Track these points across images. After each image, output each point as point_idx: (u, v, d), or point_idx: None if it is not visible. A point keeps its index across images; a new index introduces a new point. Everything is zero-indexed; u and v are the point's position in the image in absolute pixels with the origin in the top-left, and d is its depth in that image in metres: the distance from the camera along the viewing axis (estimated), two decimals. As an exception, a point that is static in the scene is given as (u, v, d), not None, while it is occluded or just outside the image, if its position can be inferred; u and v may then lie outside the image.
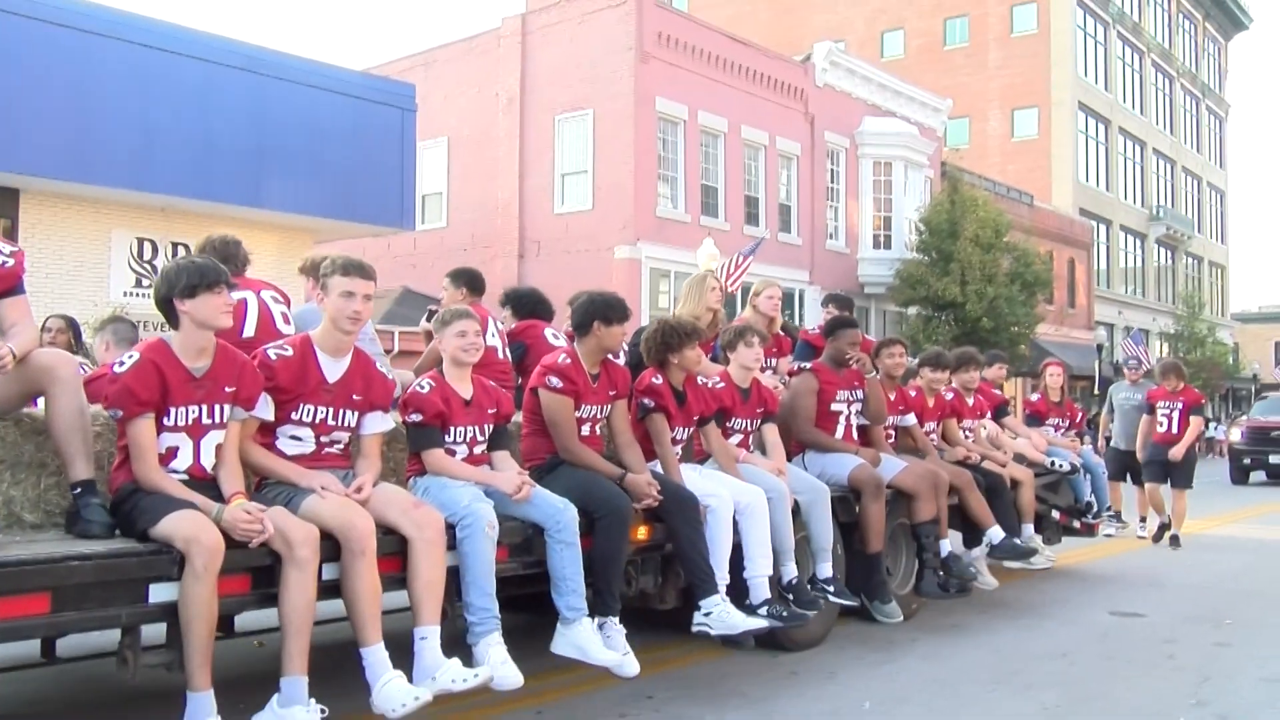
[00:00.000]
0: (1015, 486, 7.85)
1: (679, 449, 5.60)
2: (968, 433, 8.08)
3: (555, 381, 5.06)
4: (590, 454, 5.12)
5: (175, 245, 14.42)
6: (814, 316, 25.47)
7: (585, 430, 5.24)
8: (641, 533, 5.10)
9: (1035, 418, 9.84)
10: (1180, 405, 11.02)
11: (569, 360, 5.15)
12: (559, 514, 4.57)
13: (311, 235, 16.54)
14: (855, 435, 6.80)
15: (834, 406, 6.67)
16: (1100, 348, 32.62)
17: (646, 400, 5.47)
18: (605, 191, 22.24)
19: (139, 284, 14.41)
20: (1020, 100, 38.84)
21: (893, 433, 7.26)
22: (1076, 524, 9.23)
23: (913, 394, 7.58)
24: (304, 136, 15.43)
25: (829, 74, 26.82)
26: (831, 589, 5.88)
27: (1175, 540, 10.97)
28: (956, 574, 6.76)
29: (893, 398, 7.20)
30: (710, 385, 5.88)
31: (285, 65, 15.63)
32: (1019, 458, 8.43)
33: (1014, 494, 7.78)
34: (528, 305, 6.76)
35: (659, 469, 5.39)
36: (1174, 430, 10.98)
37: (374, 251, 20.30)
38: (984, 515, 7.09)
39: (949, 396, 7.88)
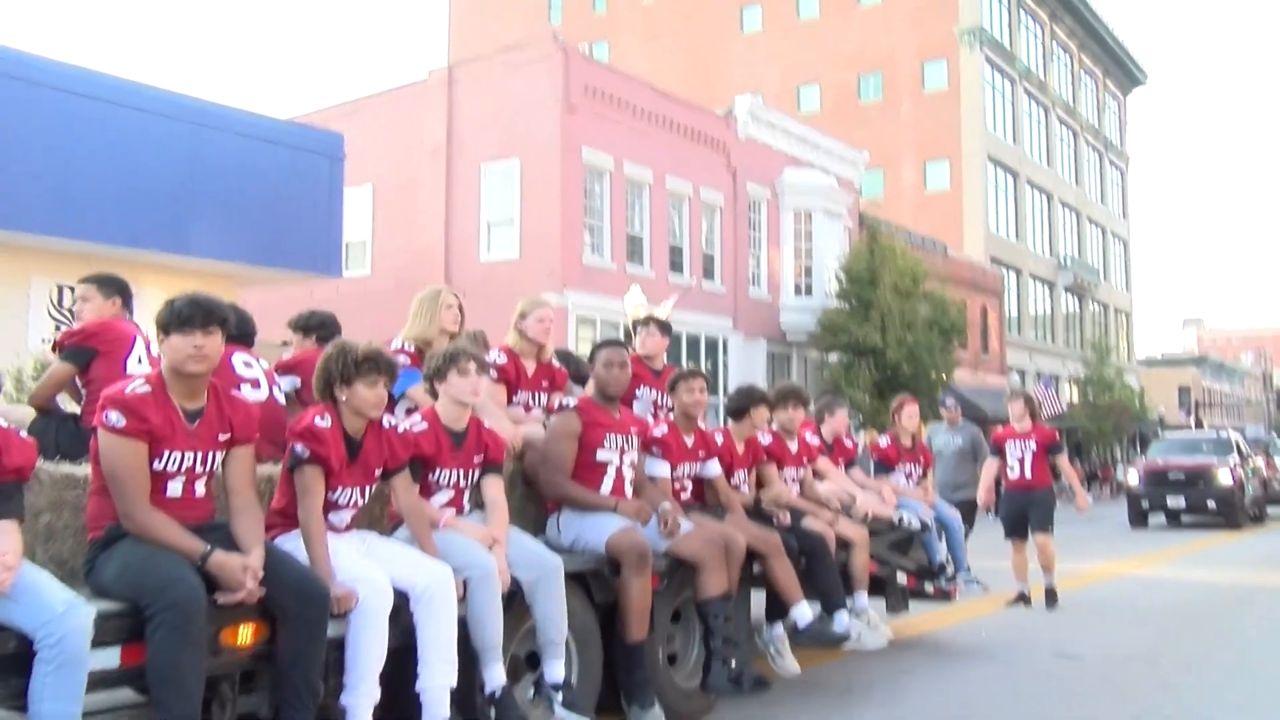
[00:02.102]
0: (846, 548, 6.79)
1: (346, 514, 4.30)
2: (791, 484, 6.98)
3: (116, 419, 3.62)
4: (163, 523, 3.62)
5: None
6: (738, 364, 25.81)
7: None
8: (244, 635, 3.67)
9: (883, 464, 8.58)
10: (1033, 446, 9.75)
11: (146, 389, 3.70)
12: (52, 620, 3.17)
13: (235, 281, 16.36)
14: (628, 492, 5.51)
15: (601, 455, 5.41)
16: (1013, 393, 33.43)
17: (299, 447, 4.07)
18: (532, 240, 22.37)
19: (58, 330, 14.11)
20: (932, 153, 40.05)
21: (688, 484, 6.12)
22: (929, 588, 8.09)
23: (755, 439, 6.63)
24: (231, 183, 15.28)
25: (750, 126, 27.36)
26: (560, 697, 4.62)
27: (1052, 595, 9.63)
28: (739, 664, 5.37)
29: (689, 442, 6.05)
30: (408, 428, 4.63)
31: (213, 113, 15.51)
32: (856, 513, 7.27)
33: (845, 556, 6.77)
34: (318, 330, 6.22)
35: (297, 542, 4.06)
36: (1027, 475, 9.73)
37: (297, 298, 20.07)
38: (789, 588, 5.93)
39: (765, 440, 6.77)
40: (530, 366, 6.02)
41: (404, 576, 4.11)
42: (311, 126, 19.42)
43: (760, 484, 6.71)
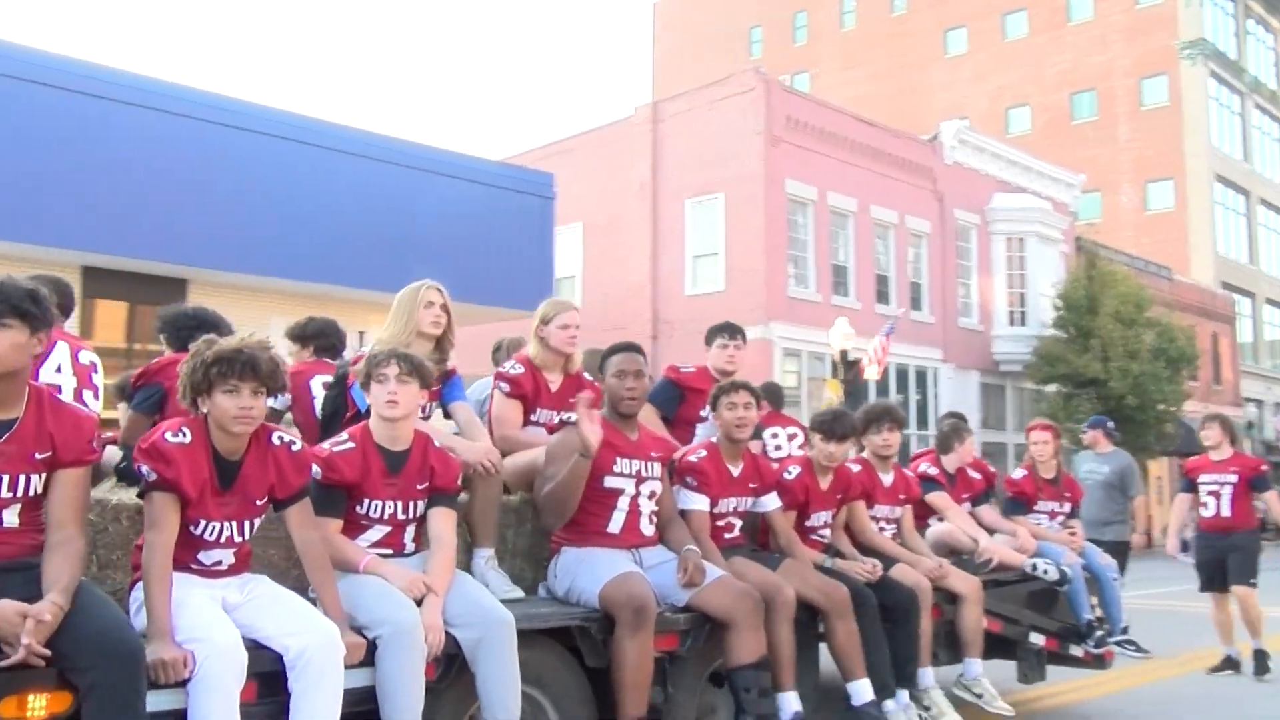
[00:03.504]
0: (956, 603, 5.76)
1: (220, 554, 3.50)
2: (887, 525, 5.97)
3: None
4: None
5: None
6: (949, 396, 25.05)
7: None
8: (34, 707, 2.85)
9: (1018, 502, 7.25)
10: (1233, 478, 8.16)
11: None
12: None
13: (455, 320, 16.97)
14: (647, 530, 4.62)
15: (610, 481, 4.49)
16: (1250, 425, 31.28)
17: (144, 468, 3.32)
18: (736, 273, 22.38)
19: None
20: (1153, 173, 37.98)
21: (735, 523, 5.15)
22: (1078, 651, 6.69)
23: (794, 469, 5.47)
24: (447, 225, 15.93)
25: (957, 151, 26.68)
26: None
27: (1262, 660, 8.00)
28: None
29: (736, 471, 5.05)
30: (329, 449, 3.88)
31: (430, 157, 16.24)
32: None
33: (955, 613, 5.75)
34: (315, 340, 5.60)
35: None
36: (1224, 513, 8.16)
37: (510, 334, 20.67)
38: (848, 659, 4.94)
39: (855, 469, 5.78)
40: (555, 380, 5.17)
41: (277, 637, 3.26)
42: (523, 167, 20.05)
43: (851, 526, 5.79)
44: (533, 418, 5.07)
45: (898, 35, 42.99)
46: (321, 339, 5.64)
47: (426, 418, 4.60)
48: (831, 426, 5.47)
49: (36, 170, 12.00)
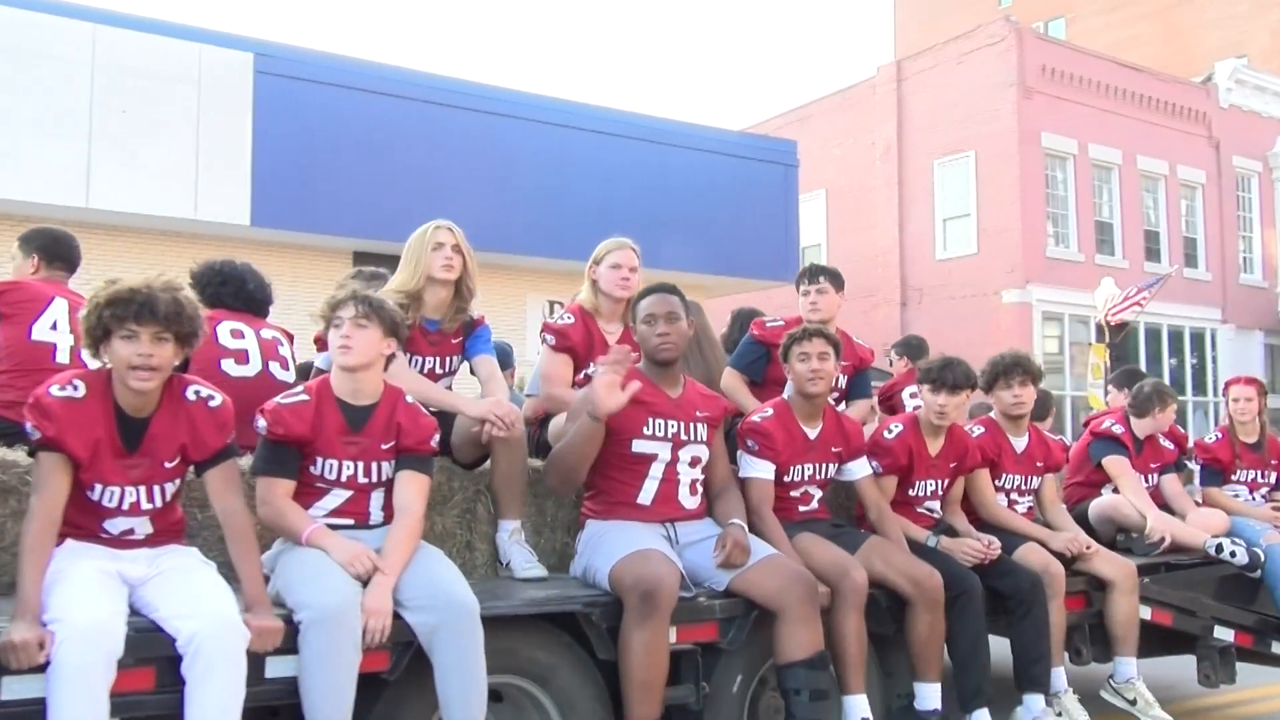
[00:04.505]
0: (1105, 589, 4.92)
1: (126, 523, 3.12)
2: (1017, 498, 5.13)
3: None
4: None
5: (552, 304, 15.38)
6: (1229, 360, 23.22)
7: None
8: None
9: (1211, 470, 6.12)
10: None
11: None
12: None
13: (703, 292, 17.06)
14: (688, 502, 4.00)
15: (639, 445, 3.89)
16: None
17: (28, 425, 2.98)
18: (989, 234, 21.44)
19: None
20: None
21: (814, 493, 4.47)
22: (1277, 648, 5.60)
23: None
24: (692, 198, 16.02)
25: (1234, 93, 24.57)
26: None
27: None
28: None
29: (813, 433, 4.37)
30: (278, 402, 3.44)
31: (675, 131, 16.36)
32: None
33: (1104, 602, 4.93)
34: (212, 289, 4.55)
35: (74, 559, 2.97)
36: None
37: (754, 304, 20.61)
38: (923, 656, 4.21)
39: (976, 432, 5.01)
40: (613, 332, 4.59)
41: (171, 619, 2.85)
42: (765, 136, 19.92)
43: (973, 496, 5.03)
44: (588, 374, 4.28)
45: (1162, -29, 39.99)
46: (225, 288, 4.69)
47: (452, 373, 4.30)
48: (941, 374, 4.65)
49: (315, 164, 12.84)
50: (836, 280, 5.20)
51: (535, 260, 14.69)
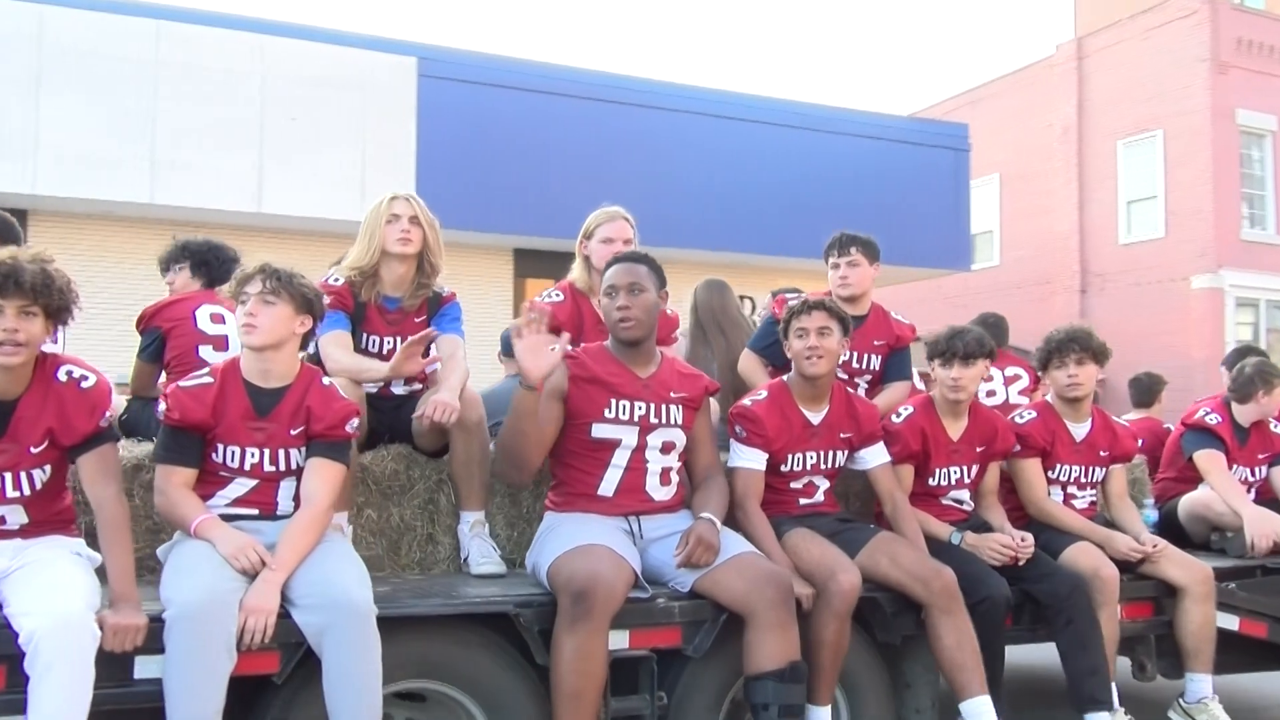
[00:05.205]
0: (1176, 595, 4.31)
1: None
2: (1074, 491, 4.58)
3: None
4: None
5: (741, 298, 15.24)
6: None
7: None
8: None
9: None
10: None
11: None
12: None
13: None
14: (657, 493, 3.64)
15: (599, 430, 3.57)
16: None
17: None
18: (1178, 216, 20.38)
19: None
20: None
21: (819, 484, 4.04)
22: None
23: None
24: (858, 185, 15.75)
25: None
26: None
27: None
28: None
29: (816, 418, 3.97)
30: (181, 385, 3.26)
31: (837, 119, 16.10)
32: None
33: (1174, 611, 4.32)
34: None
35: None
36: None
37: (922, 293, 20.10)
38: (955, 666, 3.67)
39: (1027, 417, 4.53)
40: None
41: (16, 615, 2.70)
42: (933, 120, 19.45)
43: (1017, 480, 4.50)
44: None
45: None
46: (200, 256, 4.66)
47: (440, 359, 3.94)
48: (950, 344, 4.11)
49: (477, 163, 13.15)
50: (870, 251, 4.67)
51: (703, 254, 14.69)
